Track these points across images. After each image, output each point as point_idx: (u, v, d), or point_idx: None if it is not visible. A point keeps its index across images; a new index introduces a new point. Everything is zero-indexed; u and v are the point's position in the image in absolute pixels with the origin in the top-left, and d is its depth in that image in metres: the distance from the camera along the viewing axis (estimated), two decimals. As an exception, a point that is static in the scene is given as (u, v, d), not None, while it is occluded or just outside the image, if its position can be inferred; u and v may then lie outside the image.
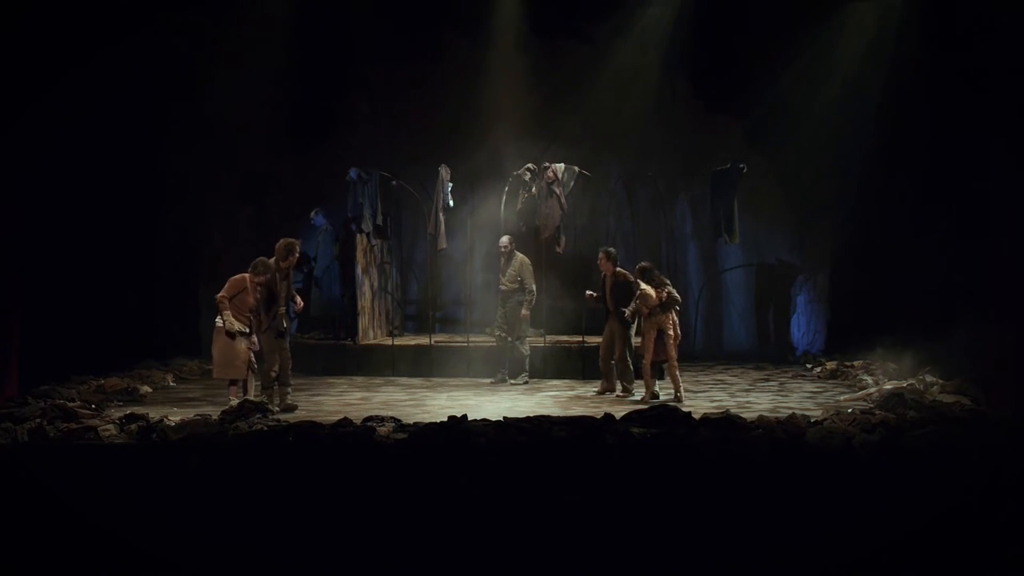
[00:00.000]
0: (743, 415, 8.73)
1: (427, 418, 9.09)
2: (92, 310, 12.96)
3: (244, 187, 14.55)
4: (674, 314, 10.82)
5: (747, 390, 11.64)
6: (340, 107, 14.74)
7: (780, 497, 6.52)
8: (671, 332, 10.73)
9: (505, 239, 12.34)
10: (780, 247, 15.12)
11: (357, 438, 7.92)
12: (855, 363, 12.67)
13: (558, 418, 8.56)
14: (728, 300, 15.43)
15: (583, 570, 5.78)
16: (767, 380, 12.50)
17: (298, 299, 10.43)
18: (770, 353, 14.76)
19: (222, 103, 13.97)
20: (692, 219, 15.45)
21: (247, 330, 9.78)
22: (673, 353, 10.73)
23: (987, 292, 12.04)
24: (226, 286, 9.76)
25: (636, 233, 15.24)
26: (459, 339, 13.66)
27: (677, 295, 10.85)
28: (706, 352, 15.03)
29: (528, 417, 8.58)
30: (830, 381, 12.30)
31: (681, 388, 10.77)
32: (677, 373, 10.78)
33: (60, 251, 12.92)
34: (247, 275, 9.83)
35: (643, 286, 10.72)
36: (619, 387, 11.22)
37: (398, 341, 13.65)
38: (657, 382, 11.00)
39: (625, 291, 11.08)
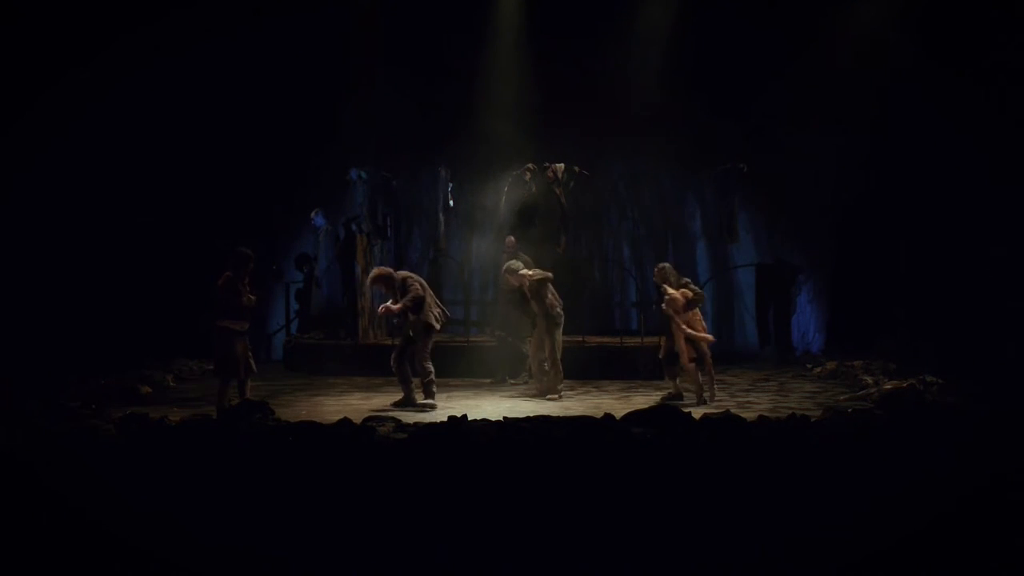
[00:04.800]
0: (743, 415, 8.73)
1: (427, 418, 9.11)
2: (93, 310, 12.98)
3: (244, 187, 14.55)
4: (696, 313, 10.69)
5: (747, 390, 11.63)
6: (341, 107, 14.75)
7: (779, 497, 6.52)
8: (700, 329, 10.61)
9: (511, 239, 12.36)
10: (780, 247, 15.13)
11: (357, 438, 7.93)
12: (855, 363, 12.66)
13: (558, 418, 8.57)
14: (740, 300, 15.44)
15: (583, 571, 5.78)
16: (767, 380, 12.50)
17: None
18: (770, 353, 14.77)
19: (222, 102, 13.98)
20: (701, 218, 15.46)
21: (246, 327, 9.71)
22: (705, 349, 10.57)
23: (985, 292, 12.09)
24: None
25: (638, 232, 15.26)
26: (459, 339, 13.66)
27: (700, 290, 10.80)
28: (716, 352, 15.00)
29: (528, 417, 8.58)
30: (830, 381, 12.30)
31: (704, 389, 10.52)
32: (703, 373, 10.55)
33: (60, 252, 12.95)
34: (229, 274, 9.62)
35: (668, 291, 10.59)
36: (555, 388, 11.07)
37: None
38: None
39: (539, 289, 10.99)
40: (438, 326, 10.50)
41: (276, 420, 8.75)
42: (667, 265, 11.09)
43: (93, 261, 13.31)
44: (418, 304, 10.38)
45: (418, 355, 10.49)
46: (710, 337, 10.71)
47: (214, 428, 8.31)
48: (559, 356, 11.03)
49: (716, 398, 10.59)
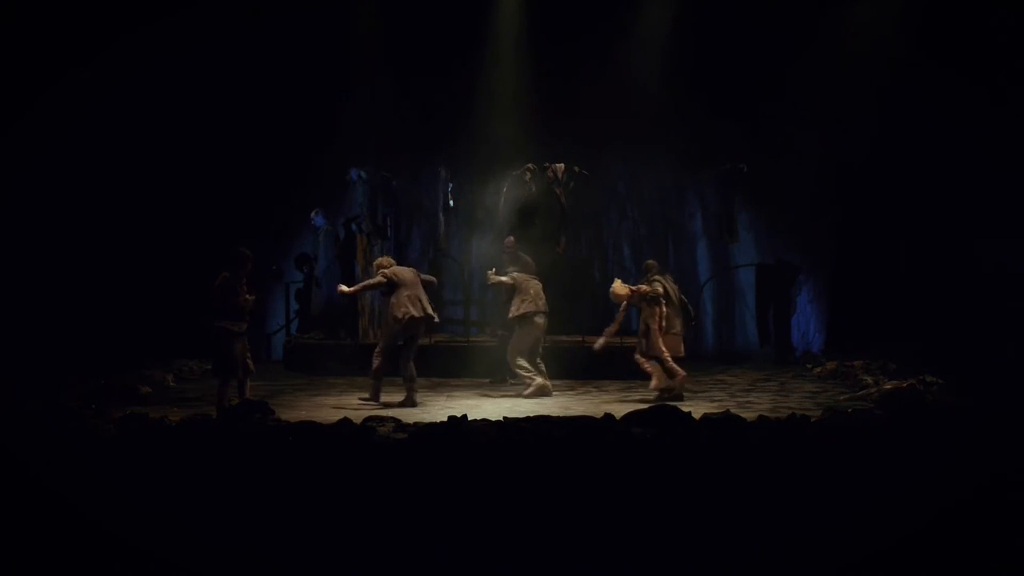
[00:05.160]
0: (743, 415, 8.74)
1: (427, 418, 9.11)
2: (93, 310, 12.98)
3: (244, 187, 14.54)
4: (663, 307, 10.77)
5: (747, 390, 11.63)
6: (341, 107, 14.75)
7: (779, 497, 6.53)
8: (654, 327, 10.75)
9: (510, 239, 12.38)
10: (780, 247, 15.13)
11: (357, 438, 7.93)
12: (855, 363, 12.66)
13: (558, 418, 8.58)
14: (741, 300, 15.43)
15: (583, 571, 5.78)
16: (767, 380, 12.50)
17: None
18: (770, 353, 14.77)
19: (222, 102, 13.97)
20: (701, 218, 15.46)
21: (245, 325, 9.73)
22: (659, 346, 10.69)
23: (985, 292, 12.09)
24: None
25: (638, 232, 15.26)
26: (459, 339, 13.65)
27: (655, 289, 10.78)
28: (718, 351, 15.05)
29: (528, 417, 8.59)
30: (830, 381, 12.30)
31: (655, 381, 10.72)
32: (659, 368, 10.72)
33: (61, 251, 12.94)
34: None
35: (616, 282, 10.96)
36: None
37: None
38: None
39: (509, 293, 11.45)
40: (399, 325, 10.48)
41: (276, 420, 8.76)
42: (651, 262, 11.32)
43: (93, 261, 13.30)
44: (388, 295, 10.55)
45: (377, 347, 10.67)
46: (596, 344, 11.14)
47: (214, 428, 8.31)
48: (518, 357, 11.19)
49: (668, 392, 10.69)
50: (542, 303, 11.30)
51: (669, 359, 10.71)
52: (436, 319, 10.75)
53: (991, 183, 12.44)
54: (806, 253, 14.98)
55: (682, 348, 11.01)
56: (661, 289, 10.79)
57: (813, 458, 7.38)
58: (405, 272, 10.78)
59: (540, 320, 11.28)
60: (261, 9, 13.74)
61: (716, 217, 14.57)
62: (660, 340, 10.70)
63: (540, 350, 11.44)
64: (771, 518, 6.23)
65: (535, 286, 11.39)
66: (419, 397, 10.63)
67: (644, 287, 10.79)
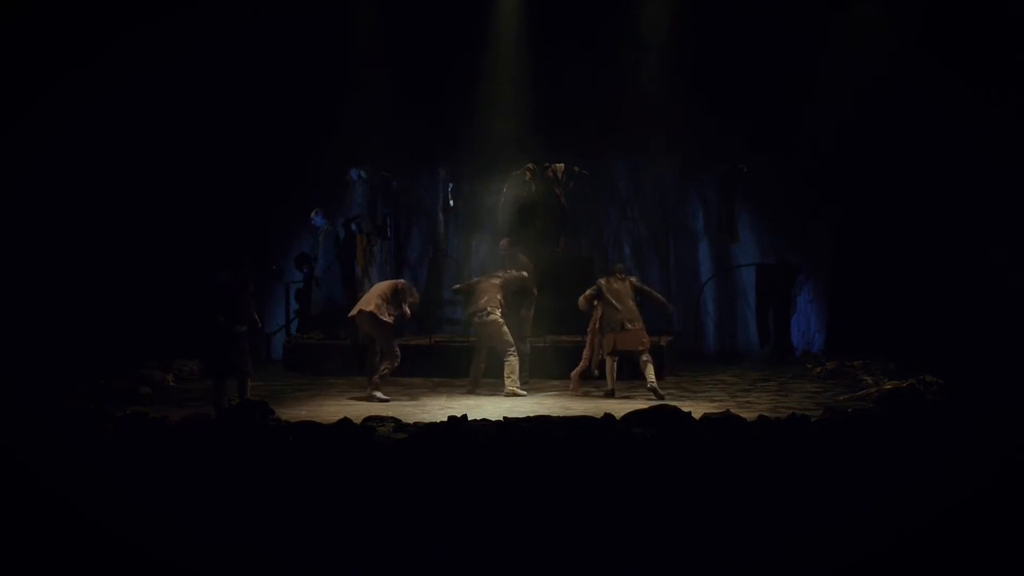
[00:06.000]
0: (743, 415, 8.73)
1: (427, 418, 9.11)
2: (93, 310, 12.97)
3: (244, 187, 14.53)
4: (599, 310, 11.21)
5: (747, 390, 11.63)
6: (341, 107, 14.74)
7: (779, 497, 6.52)
8: (589, 329, 11.37)
9: (504, 241, 12.35)
10: (781, 247, 15.13)
11: (357, 438, 7.93)
12: (855, 363, 12.66)
13: (558, 418, 8.58)
14: (743, 300, 15.43)
15: (583, 571, 5.78)
16: (767, 380, 12.49)
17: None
18: (770, 353, 14.77)
19: (222, 102, 13.97)
20: (703, 217, 15.46)
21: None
22: (589, 344, 11.33)
23: (985, 292, 12.09)
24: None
25: (638, 232, 15.26)
26: (459, 339, 13.65)
27: (586, 296, 11.29)
28: (719, 351, 15.05)
29: (528, 417, 8.59)
30: (830, 381, 12.29)
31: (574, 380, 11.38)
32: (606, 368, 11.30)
33: (60, 252, 12.94)
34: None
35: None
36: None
37: (398, 341, 13.62)
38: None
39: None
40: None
41: (276, 420, 8.76)
42: (613, 265, 12.02)
43: (93, 261, 13.30)
44: None
45: None
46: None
47: (214, 428, 8.31)
48: (475, 362, 11.61)
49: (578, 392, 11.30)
50: (482, 302, 11.31)
51: (585, 363, 11.31)
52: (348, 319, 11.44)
53: (991, 183, 12.45)
54: (806, 253, 14.98)
55: (632, 342, 11.10)
56: (590, 293, 11.27)
57: (813, 458, 7.38)
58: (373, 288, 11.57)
59: (477, 320, 11.34)
60: (261, 9, 13.73)
61: (716, 217, 14.58)
62: (592, 340, 11.27)
63: (495, 352, 11.46)
64: (771, 518, 6.23)
65: (480, 287, 11.47)
66: (377, 393, 10.86)
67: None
